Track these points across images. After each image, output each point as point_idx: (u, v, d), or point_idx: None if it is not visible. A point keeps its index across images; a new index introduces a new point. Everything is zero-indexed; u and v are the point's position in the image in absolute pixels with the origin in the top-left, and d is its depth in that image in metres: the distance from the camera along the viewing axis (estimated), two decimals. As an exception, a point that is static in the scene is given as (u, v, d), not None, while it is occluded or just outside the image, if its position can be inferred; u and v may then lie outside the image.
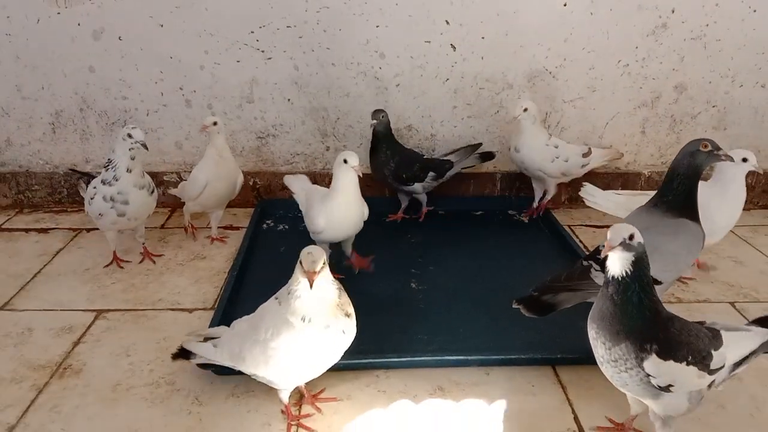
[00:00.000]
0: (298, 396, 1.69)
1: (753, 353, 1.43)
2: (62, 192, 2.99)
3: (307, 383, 1.67)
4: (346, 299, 1.55)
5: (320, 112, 2.90)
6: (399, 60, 2.81)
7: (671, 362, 1.33)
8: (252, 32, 2.75)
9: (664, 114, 2.95)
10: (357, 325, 1.57)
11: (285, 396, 1.59)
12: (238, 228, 2.77)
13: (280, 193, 2.95)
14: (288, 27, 2.75)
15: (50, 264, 2.44)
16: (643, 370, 1.34)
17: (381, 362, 1.81)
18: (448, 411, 1.66)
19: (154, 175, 2.94)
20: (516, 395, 1.72)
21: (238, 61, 2.80)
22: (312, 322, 1.46)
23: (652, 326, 1.35)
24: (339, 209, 2.13)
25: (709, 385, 1.41)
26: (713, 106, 2.94)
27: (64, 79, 2.82)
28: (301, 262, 1.44)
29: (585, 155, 2.75)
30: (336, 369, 1.73)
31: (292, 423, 1.60)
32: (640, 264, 1.35)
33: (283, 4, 2.71)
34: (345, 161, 2.08)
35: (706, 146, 1.82)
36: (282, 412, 1.63)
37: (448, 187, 2.96)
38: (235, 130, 2.93)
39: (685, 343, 1.36)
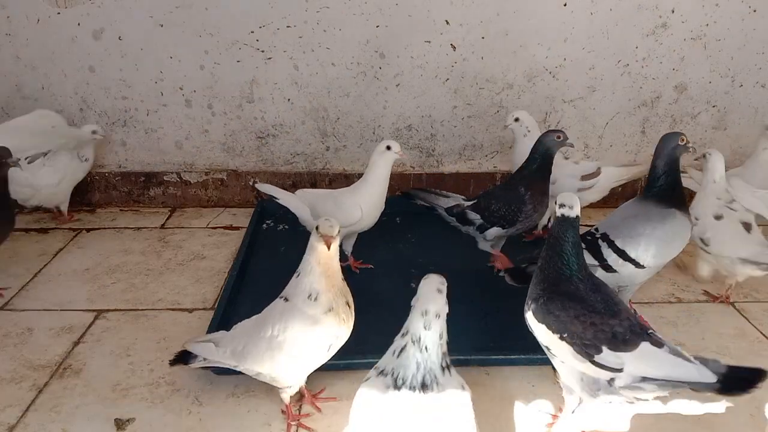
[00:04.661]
0: (298, 396, 1.69)
1: (680, 382, 1.34)
2: (62, 192, 2.98)
3: (307, 383, 1.67)
4: (347, 289, 1.57)
5: (320, 112, 2.90)
6: (399, 60, 2.81)
7: (544, 327, 1.47)
8: (252, 32, 2.75)
9: (664, 114, 2.95)
10: (357, 325, 1.58)
11: (287, 395, 1.59)
12: (238, 228, 2.77)
13: (280, 193, 2.96)
14: (288, 27, 2.74)
15: (50, 264, 2.44)
16: (527, 320, 1.54)
17: (381, 362, 1.81)
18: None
19: (154, 175, 2.97)
20: (516, 395, 1.72)
21: (238, 61, 2.80)
22: (318, 300, 1.49)
23: (540, 290, 1.52)
24: (377, 196, 2.20)
25: (610, 383, 1.41)
26: (713, 106, 2.94)
27: (64, 79, 2.82)
28: (317, 229, 1.50)
29: (586, 177, 2.49)
30: (336, 369, 1.74)
31: (292, 423, 1.60)
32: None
33: (283, 4, 2.70)
34: (388, 148, 2.15)
35: (683, 140, 1.89)
36: (282, 412, 1.63)
37: (449, 186, 2.96)
38: (235, 130, 2.93)
39: (563, 320, 1.44)
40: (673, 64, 2.85)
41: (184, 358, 1.66)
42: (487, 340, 1.94)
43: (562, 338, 1.44)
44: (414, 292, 2.20)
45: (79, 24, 2.73)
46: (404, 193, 2.42)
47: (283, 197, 2.35)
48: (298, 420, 1.62)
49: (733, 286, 2.18)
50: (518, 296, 2.09)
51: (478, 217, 2.22)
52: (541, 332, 1.50)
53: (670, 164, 1.90)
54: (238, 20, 2.73)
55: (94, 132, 2.72)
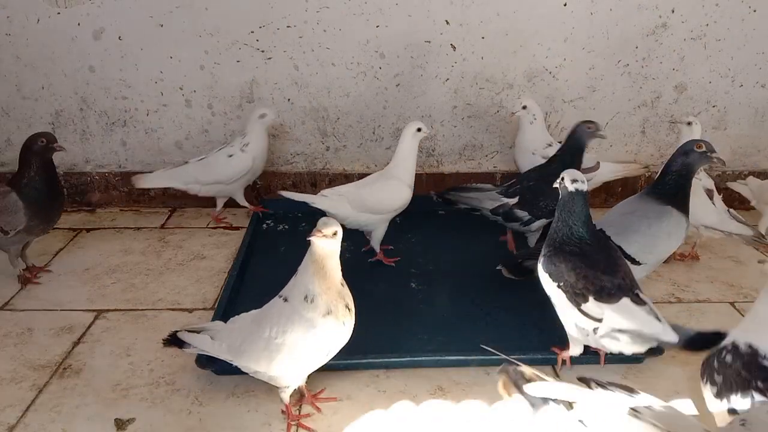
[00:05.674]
0: (298, 396, 1.69)
1: (647, 337, 1.53)
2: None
3: (307, 383, 1.68)
4: (347, 292, 1.57)
5: (320, 112, 2.90)
6: (399, 60, 2.81)
7: (547, 276, 1.67)
8: (252, 32, 2.75)
9: (664, 114, 2.95)
10: (357, 325, 1.58)
11: (286, 395, 1.59)
12: (238, 228, 2.77)
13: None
14: (288, 27, 2.75)
15: (50, 264, 2.44)
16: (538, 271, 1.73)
17: (381, 362, 1.81)
18: (448, 411, 1.66)
19: (154, 175, 2.97)
20: (516, 395, 1.71)
21: (238, 61, 2.80)
22: (315, 302, 1.48)
23: (549, 247, 1.71)
24: (412, 176, 2.30)
25: (594, 331, 1.60)
26: (713, 106, 2.94)
27: (64, 79, 2.82)
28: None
29: (585, 171, 2.46)
30: (336, 369, 1.74)
31: (292, 423, 1.60)
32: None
33: (283, 4, 2.71)
34: (419, 129, 2.26)
35: (700, 147, 1.91)
36: (282, 412, 1.63)
37: (448, 186, 2.96)
38: (235, 130, 2.92)
39: (562, 271, 1.64)
40: (673, 64, 2.85)
41: (178, 341, 1.64)
42: (487, 340, 1.94)
43: (558, 287, 1.64)
44: (414, 292, 2.19)
45: (79, 24, 2.73)
46: (441, 197, 2.45)
47: (317, 201, 2.24)
48: (298, 420, 1.62)
49: (698, 244, 2.43)
50: (518, 296, 2.11)
51: (526, 214, 2.32)
52: (545, 281, 1.69)
53: (683, 167, 1.90)
54: (238, 20, 2.73)
55: (262, 116, 2.60)
